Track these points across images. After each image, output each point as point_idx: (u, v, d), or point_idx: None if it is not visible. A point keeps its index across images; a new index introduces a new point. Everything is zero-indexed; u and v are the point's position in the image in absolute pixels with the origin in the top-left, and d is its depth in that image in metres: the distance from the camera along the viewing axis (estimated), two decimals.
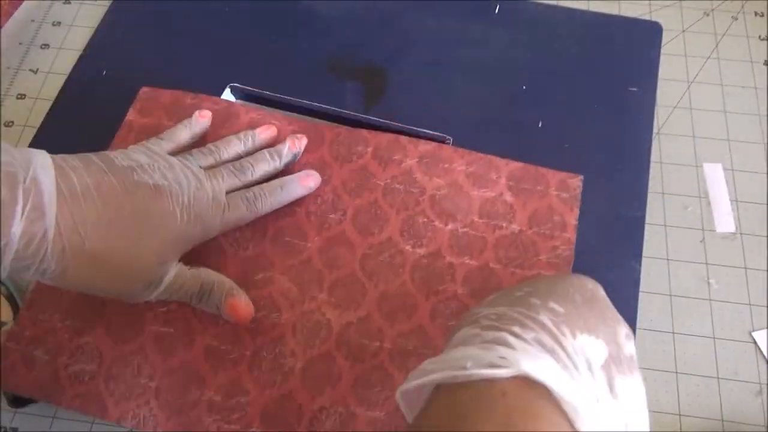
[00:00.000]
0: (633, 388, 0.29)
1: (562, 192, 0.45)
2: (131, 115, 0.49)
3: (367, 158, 0.47)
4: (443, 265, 0.43)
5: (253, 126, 0.47)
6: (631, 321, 0.45)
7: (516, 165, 0.46)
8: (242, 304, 0.41)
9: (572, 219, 0.43)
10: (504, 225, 0.44)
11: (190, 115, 0.47)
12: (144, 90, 0.50)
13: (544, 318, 0.28)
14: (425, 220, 0.44)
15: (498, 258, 0.43)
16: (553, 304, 0.29)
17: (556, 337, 0.27)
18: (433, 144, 0.47)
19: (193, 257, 0.42)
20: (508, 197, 0.45)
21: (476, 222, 0.44)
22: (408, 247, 0.44)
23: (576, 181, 0.45)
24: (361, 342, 0.41)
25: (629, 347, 0.30)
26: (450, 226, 0.44)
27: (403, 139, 0.47)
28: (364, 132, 0.48)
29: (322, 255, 0.44)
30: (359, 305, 0.42)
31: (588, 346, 0.28)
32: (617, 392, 0.27)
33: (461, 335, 0.30)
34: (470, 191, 0.45)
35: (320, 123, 0.49)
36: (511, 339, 0.27)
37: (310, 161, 0.47)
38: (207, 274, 0.41)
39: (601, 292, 0.32)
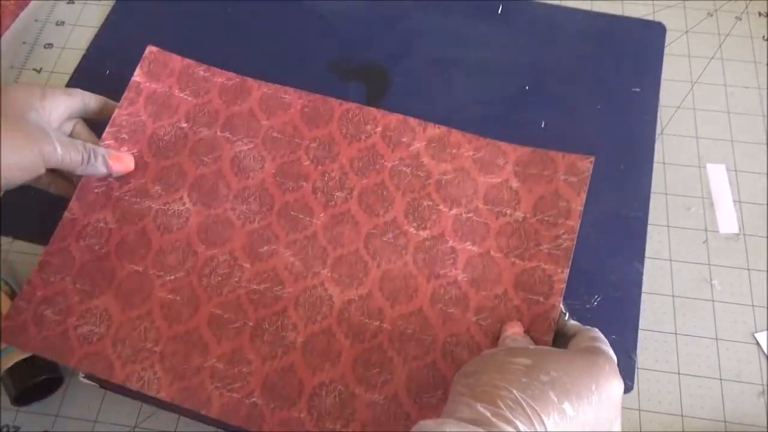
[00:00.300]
0: None
1: (570, 176, 0.44)
2: (139, 76, 0.49)
3: (376, 138, 0.47)
4: (446, 248, 0.43)
5: (265, 101, 0.49)
6: (634, 322, 0.45)
7: (524, 150, 0.46)
8: (122, 154, 0.45)
9: (578, 205, 0.43)
10: (508, 212, 0.44)
11: (202, 88, 0.49)
12: (150, 50, 0.50)
13: (550, 423, 0.31)
14: (430, 203, 0.45)
15: (500, 246, 0.43)
16: (566, 405, 0.31)
17: None
18: (443, 128, 0.48)
19: (201, 229, 0.45)
20: (514, 183, 0.45)
21: (480, 208, 0.44)
22: (412, 229, 0.44)
23: (586, 163, 0.45)
24: (362, 320, 0.42)
25: None
26: (454, 211, 0.45)
27: (412, 120, 0.48)
28: (374, 110, 0.48)
29: (326, 232, 0.45)
30: (361, 283, 0.43)
31: None
32: None
33: (476, 412, 0.31)
34: (477, 177, 0.46)
35: (330, 98, 0.49)
36: None
37: (319, 137, 0.48)
38: (84, 143, 0.43)
39: (620, 393, 0.34)
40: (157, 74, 0.49)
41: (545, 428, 0.31)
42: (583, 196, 0.43)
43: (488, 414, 0.31)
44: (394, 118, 0.48)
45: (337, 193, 0.46)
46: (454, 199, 0.45)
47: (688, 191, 0.51)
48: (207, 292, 0.43)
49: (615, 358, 0.36)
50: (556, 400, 0.31)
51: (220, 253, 0.44)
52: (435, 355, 0.40)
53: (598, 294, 0.46)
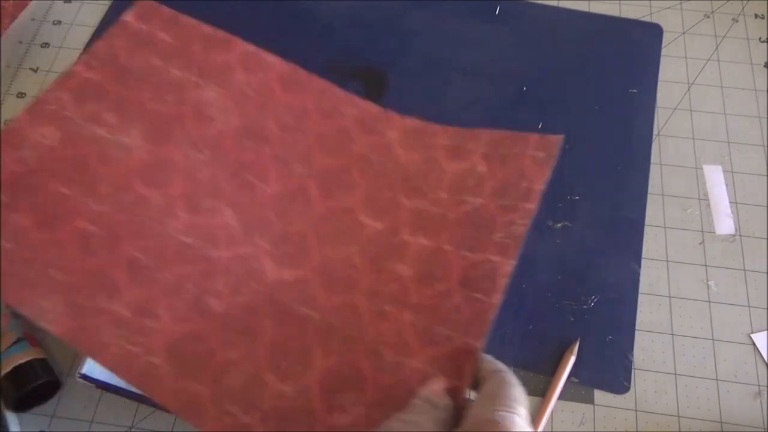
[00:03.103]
0: None
1: (539, 152, 0.41)
2: (128, 16, 0.48)
3: (351, 121, 0.45)
4: (396, 242, 0.41)
5: (245, 58, 0.47)
6: (631, 322, 0.45)
7: (498, 132, 0.44)
8: None
9: (539, 184, 0.40)
10: (469, 199, 0.41)
11: (186, 35, 0.47)
12: (142, 2, 0.49)
13: None
14: (391, 194, 0.42)
15: (453, 239, 0.40)
16: None
17: None
18: (421, 121, 0.46)
19: (143, 166, 0.42)
20: (481, 167, 0.42)
21: (442, 198, 0.42)
22: (367, 220, 0.41)
23: (556, 139, 0.42)
24: (291, 305, 0.39)
25: None
26: (416, 203, 0.42)
27: (391, 111, 0.46)
28: (355, 97, 0.47)
29: (276, 203, 0.42)
30: (300, 265, 0.40)
31: None
32: None
33: None
34: (444, 165, 0.43)
35: (314, 75, 0.48)
36: None
37: (292, 104, 0.45)
38: None
39: None
40: (148, 17, 0.48)
41: None
42: (548, 173, 0.40)
43: None
44: (374, 107, 0.46)
45: (297, 166, 0.43)
46: (416, 189, 0.42)
47: (684, 192, 0.51)
48: (131, 232, 0.39)
49: (522, 424, 0.30)
50: None
51: (158, 195, 0.41)
52: (359, 354, 0.37)
53: (595, 294, 0.46)
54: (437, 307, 0.38)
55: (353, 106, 0.46)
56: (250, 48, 0.48)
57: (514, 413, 0.30)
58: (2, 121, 0.54)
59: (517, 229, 0.39)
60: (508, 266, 0.38)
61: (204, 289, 0.38)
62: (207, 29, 0.48)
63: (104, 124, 0.43)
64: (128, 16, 0.47)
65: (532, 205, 0.40)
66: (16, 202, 0.40)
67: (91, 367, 0.40)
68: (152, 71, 0.46)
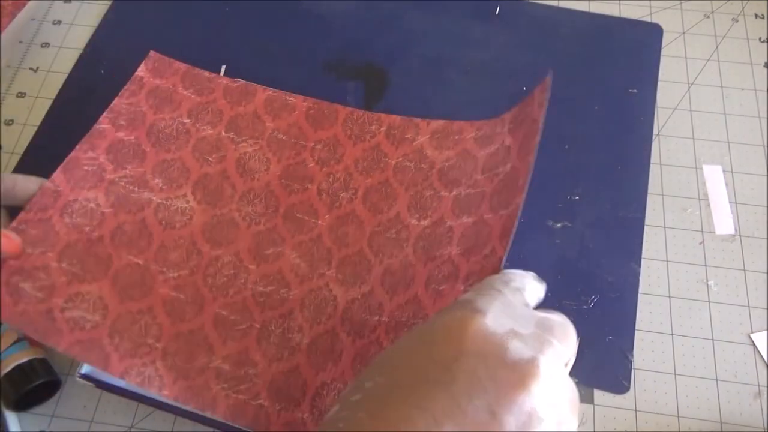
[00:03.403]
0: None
1: (538, 100, 0.43)
2: (142, 72, 0.50)
3: (380, 137, 0.48)
4: (443, 230, 0.43)
5: (269, 104, 0.49)
6: (631, 322, 0.45)
7: (515, 110, 0.45)
8: (9, 235, 0.39)
9: (539, 119, 0.41)
10: (501, 169, 0.43)
11: (206, 88, 0.50)
12: (154, 54, 0.51)
13: None
14: (432, 192, 0.45)
15: (492, 206, 0.42)
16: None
17: None
18: (446, 121, 0.48)
19: (205, 228, 0.44)
20: (507, 140, 0.44)
21: (479, 179, 0.44)
22: (414, 221, 0.44)
23: (545, 83, 0.43)
24: (363, 317, 0.42)
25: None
26: (454, 192, 0.44)
27: (417, 118, 0.48)
28: (380, 114, 0.49)
29: (331, 233, 0.45)
30: (364, 281, 0.43)
31: None
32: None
33: None
34: (477, 154, 0.45)
35: (335, 104, 0.50)
36: None
37: (323, 138, 0.48)
38: None
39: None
40: (161, 72, 0.50)
41: None
42: (544, 107, 0.42)
43: None
44: (398, 118, 0.49)
45: (341, 194, 0.46)
46: (454, 180, 0.45)
47: (684, 192, 0.51)
48: (212, 292, 0.42)
49: (487, 306, 0.29)
50: None
51: (225, 253, 0.44)
52: None
53: (595, 295, 0.46)
54: (485, 267, 0.39)
55: (379, 124, 0.49)
56: (271, 93, 0.50)
57: (480, 293, 0.31)
58: (2, 120, 0.54)
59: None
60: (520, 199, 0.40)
61: (287, 328, 0.42)
62: (225, 80, 0.51)
63: (155, 188, 0.45)
64: (142, 72, 0.49)
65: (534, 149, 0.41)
66: (88, 274, 0.41)
67: (91, 367, 0.40)
68: (185, 131, 0.48)
